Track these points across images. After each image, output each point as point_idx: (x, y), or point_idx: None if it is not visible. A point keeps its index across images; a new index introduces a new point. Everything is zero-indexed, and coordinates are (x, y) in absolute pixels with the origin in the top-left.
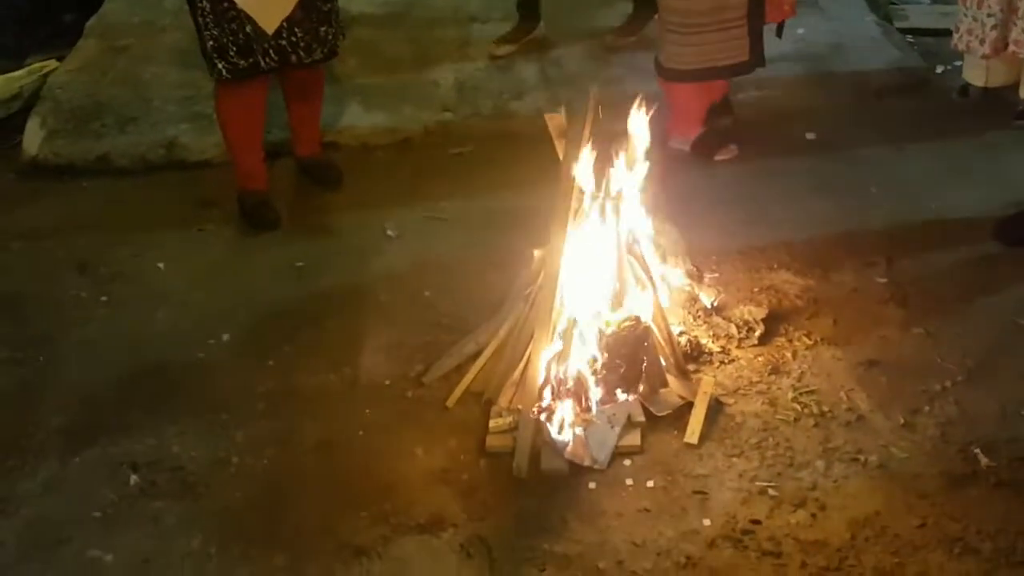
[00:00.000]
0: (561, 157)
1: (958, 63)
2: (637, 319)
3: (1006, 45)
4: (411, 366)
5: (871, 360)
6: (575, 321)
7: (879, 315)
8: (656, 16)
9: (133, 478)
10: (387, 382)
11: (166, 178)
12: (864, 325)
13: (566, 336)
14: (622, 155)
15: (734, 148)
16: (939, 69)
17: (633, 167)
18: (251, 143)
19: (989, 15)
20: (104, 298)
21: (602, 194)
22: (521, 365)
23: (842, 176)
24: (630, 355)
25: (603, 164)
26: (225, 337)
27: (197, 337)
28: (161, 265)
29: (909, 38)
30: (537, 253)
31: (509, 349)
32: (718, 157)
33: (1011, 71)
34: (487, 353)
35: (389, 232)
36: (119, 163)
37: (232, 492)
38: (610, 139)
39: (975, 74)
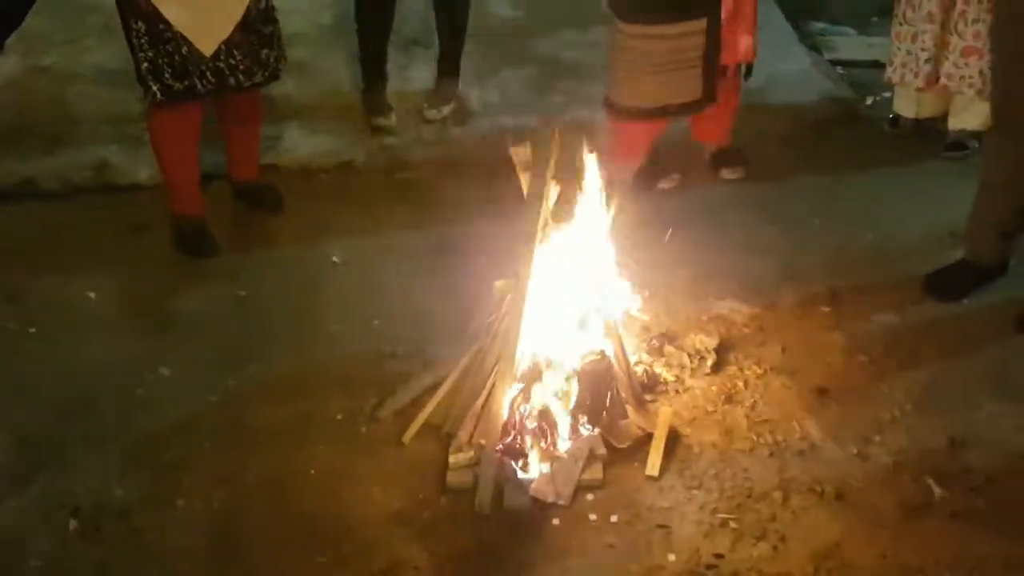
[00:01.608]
0: (524, 190)
1: (887, 94)
2: (603, 353)
3: (938, 78)
4: (364, 400)
5: (820, 388)
6: (542, 355)
7: (825, 343)
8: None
9: (73, 523)
10: (339, 417)
11: (96, 202)
12: (811, 353)
13: (533, 371)
14: (582, 187)
15: (676, 177)
16: (868, 100)
17: (592, 200)
18: (186, 167)
19: (923, 49)
20: (32, 330)
21: (566, 225)
22: (482, 397)
23: (782, 206)
24: (597, 390)
25: (566, 197)
26: (164, 371)
27: (134, 371)
28: (92, 294)
29: (839, 69)
30: (498, 284)
31: (470, 381)
32: (661, 185)
33: (940, 103)
34: (446, 385)
35: (335, 259)
36: (46, 186)
37: (179, 537)
38: (571, 171)
39: (906, 106)
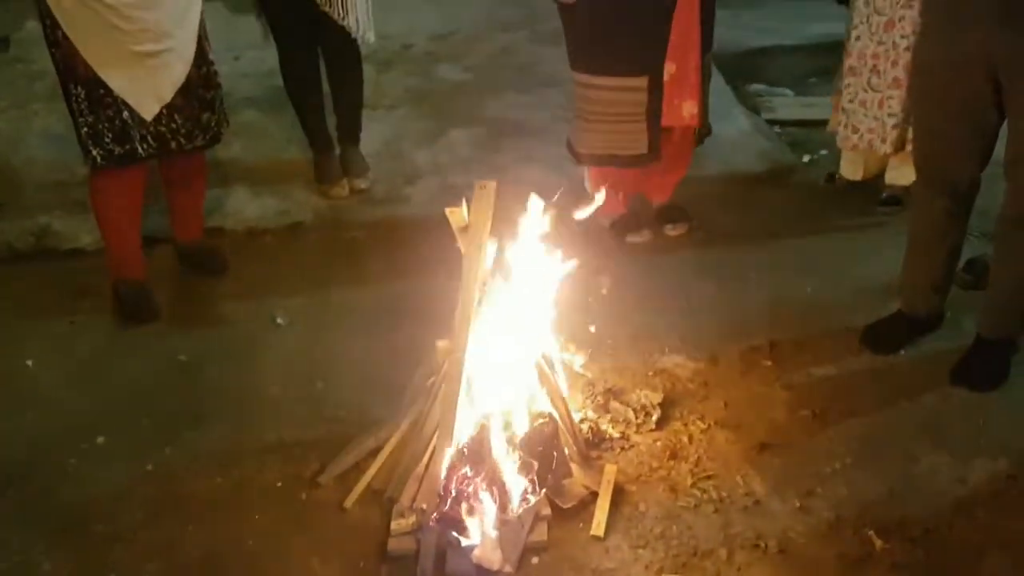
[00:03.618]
0: (463, 250)
1: (823, 152)
2: (550, 416)
3: (904, 144)
4: (305, 465)
5: (763, 443)
6: (485, 418)
7: (767, 397)
8: None
9: None
10: (279, 484)
11: (36, 268)
12: (754, 407)
13: (477, 434)
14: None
15: (647, 232)
16: (806, 158)
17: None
18: (127, 231)
19: (890, 115)
20: None
21: (504, 286)
22: (425, 460)
23: (722, 261)
24: (543, 453)
25: (504, 256)
26: (100, 440)
27: (69, 441)
28: (29, 362)
29: (776, 129)
30: (440, 344)
31: (412, 444)
32: (630, 239)
33: (881, 162)
34: (388, 448)
35: (279, 320)
36: None
37: None
38: (509, 230)
39: (852, 169)
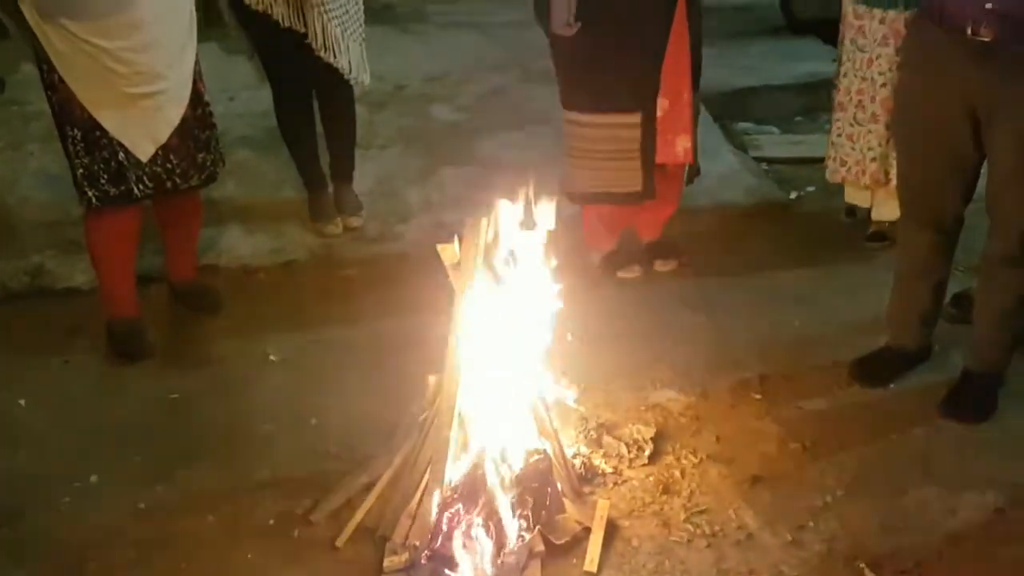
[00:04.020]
0: (455, 286)
1: (811, 188)
2: (544, 452)
3: (884, 178)
4: (297, 502)
5: (755, 476)
6: (479, 454)
7: (758, 431)
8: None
9: None
10: (271, 521)
11: (30, 307)
12: (745, 441)
13: (471, 471)
14: (515, 281)
15: (637, 268)
16: (793, 195)
17: (527, 291)
18: (122, 271)
19: (869, 148)
20: None
21: (497, 318)
22: (417, 497)
23: (712, 296)
24: (537, 489)
25: (498, 289)
26: (93, 479)
27: (62, 479)
28: (22, 401)
29: (764, 166)
30: (432, 379)
31: (404, 480)
32: (620, 275)
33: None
34: (380, 485)
35: (272, 357)
36: None
37: None
38: (504, 264)
39: (862, 197)
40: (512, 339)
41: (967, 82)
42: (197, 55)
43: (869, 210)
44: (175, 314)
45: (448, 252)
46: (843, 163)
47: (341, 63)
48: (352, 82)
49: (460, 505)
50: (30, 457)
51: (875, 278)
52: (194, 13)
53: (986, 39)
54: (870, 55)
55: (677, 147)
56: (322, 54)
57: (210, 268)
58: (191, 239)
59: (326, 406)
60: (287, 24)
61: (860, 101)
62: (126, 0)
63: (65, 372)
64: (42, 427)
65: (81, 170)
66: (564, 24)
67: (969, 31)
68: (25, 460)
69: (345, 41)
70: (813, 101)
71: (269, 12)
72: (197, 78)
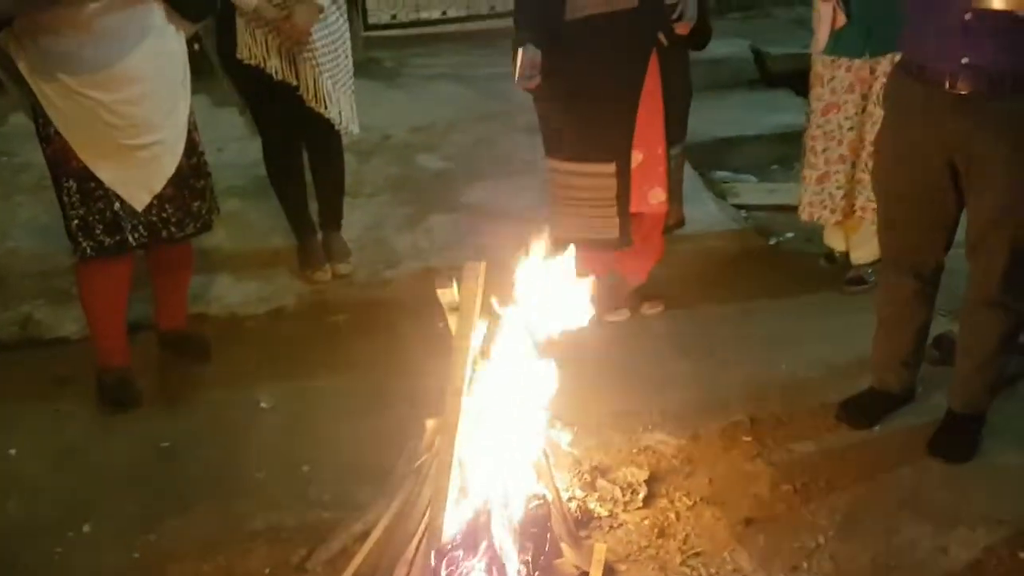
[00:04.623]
0: (453, 330)
1: (789, 234)
2: (543, 497)
3: (853, 211)
4: (292, 551)
5: (748, 518)
6: (478, 499)
7: (750, 473)
8: None
9: None
10: (266, 571)
11: (19, 357)
12: (737, 483)
13: (472, 518)
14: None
15: (625, 312)
16: (772, 240)
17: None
18: (114, 319)
19: (838, 187)
20: None
21: (493, 364)
22: (414, 544)
23: (699, 339)
24: (536, 534)
25: (495, 333)
26: (85, 528)
27: (54, 529)
28: (13, 451)
29: (743, 213)
30: (429, 423)
31: (401, 527)
32: (608, 318)
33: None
34: (377, 533)
35: (263, 404)
36: None
37: None
38: (501, 307)
39: (836, 240)
40: (511, 384)
41: (946, 134)
42: (191, 105)
43: (847, 254)
44: (164, 362)
45: (447, 295)
46: (811, 203)
47: (332, 113)
48: (342, 132)
49: (460, 552)
50: (21, 507)
51: (858, 320)
52: (187, 64)
53: (963, 92)
54: (830, 103)
55: (651, 198)
56: (313, 105)
57: (199, 317)
58: (182, 288)
59: (318, 453)
60: (280, 77)
61: (813, 147)
62: (123, 53)
63: (56, 421)
64: (33, 476)
65: (76, 221)
66: (523, 81)
67: (947, 85)
68: (16, 510)
69: (336, 92)
70: (787, 151)
71: (262, 66)
72: (192, 128)
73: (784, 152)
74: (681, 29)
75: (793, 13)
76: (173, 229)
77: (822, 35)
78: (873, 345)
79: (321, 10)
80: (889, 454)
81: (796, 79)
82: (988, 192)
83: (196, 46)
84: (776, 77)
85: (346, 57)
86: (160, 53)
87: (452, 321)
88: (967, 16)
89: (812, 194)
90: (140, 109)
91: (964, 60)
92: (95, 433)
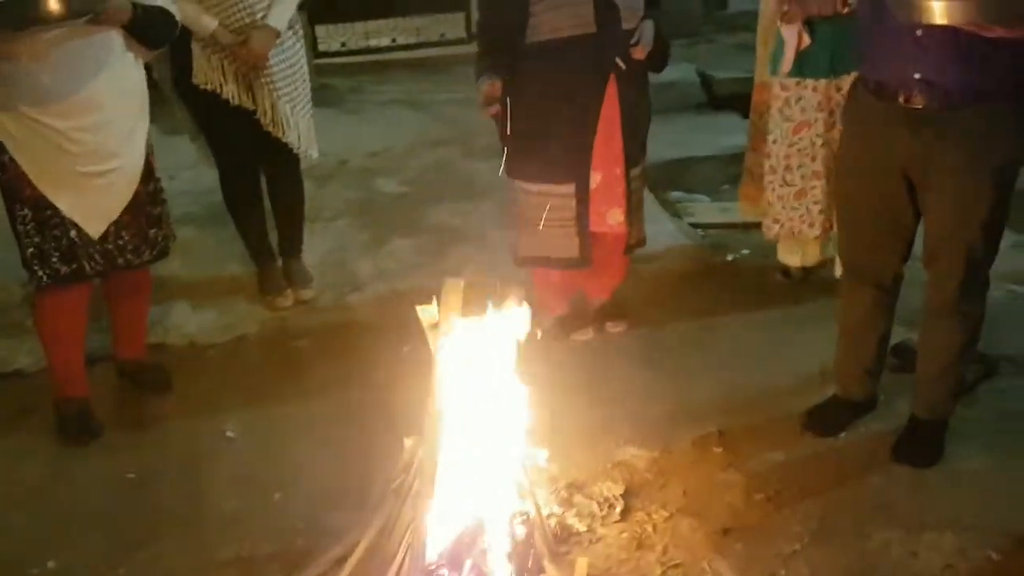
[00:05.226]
0: (432, 348)
1: (745, 251)
2: (526, 514)
3: (831, 225)
4: None
5: (725, 528)
6: (460, 520)
7: (723, 483)
8: None
9: None
10: None
11: None
12: (711, 494)
13: (456, 537)
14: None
15: (590, 330)
16: (729, 257)
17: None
18: (71, 349)
19: (815, 202)
20: None
21: (472, 382)
22: (395, 566)
23: (664, 354)
24: (519, 551)
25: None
26: (51, 564)
27: (17, 566)
28: None
29: (699, 231)
30: (408, 442)
31: (381, 549)
32: (574, 337)
33: (822, 250)
34: (357, 554)
35: (229, 433)
36: None
37: None
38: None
39: (792, 257)
40: (490, 401)
41: (902, 148)
42: (149, 131)
43: (802, 269)
44: (124, 393)
45: (427, 314)
46: (776, 221)
47: (290, 138)
48: (301, 156)
49: (444, 572)
50: None
51: (819, 331)
52: (146, 90)
53: (918, 107)
54: (801, 121)
55: (609, 219)
56: (271, 129)
57: (158, 346)
58: (140, 317)
59: (289, 480)
60: (236, 102)
61: (788, 165)
62: (82, 81)
63: (15, 456)
64: None
65: (32, 249)
66: (485, 108)
67: (902, 100)
68: None
69: (294, 116)
70: (737, 171)
71: (219, 91)
72: (149, 153)
73: (734, 172)
74: (637, 54)
75: (735, 39)
76: (130, 256)
77: (788, 57)
78: (836, 355)
79: (278, 35)
80: (856, 461)
81: (741, 102)
82: (943, 204)
83: (153, 74)
84: (722, 100)
85: (304, 82)
86: (119, 80)
87: (431, 339)
88: (918, 32)
89: (791, 210)
90: (99, 136)
91: (917, 75)
92: (57, 466)
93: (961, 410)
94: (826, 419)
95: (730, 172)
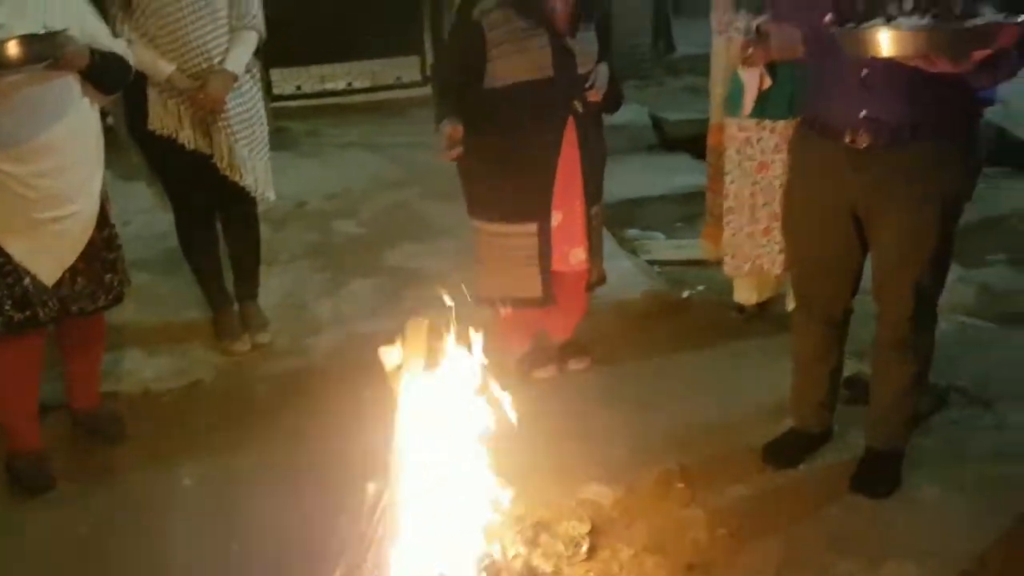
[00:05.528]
0: (395, 391)
1: (701, 287)
2: (491, 556)
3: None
4: None
5: (689, 564)
6: (431, 562)
7: (686, 519)
8: None
9: None
10: None
11: None
12: (676, 530)
13: None
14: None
15: (553, 368)
16: (685, 293)
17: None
18: (24, 400)
19: (775, 242)
20: None
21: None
22: None
23: (625, 391)
24: None
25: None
26: None
27: None
28: None
29: (656, 268)
30: (371, 487)
31: None
32: (536, 374)
33: (776, 285)
34: None
35: (185, 481)
36: None
37: None
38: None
39: (747, 295)
40: (453, 441)
41: (847, 185)
42: (104, 176)
43: (757, 305)
44: (77, 443)
45: (389, 356)
46: (744, 259)
47: (247, 181)
48: (258, 199)
49: None
50: None
51: (772, 364)
52: (101, 135)
53: (863, 146)
54: (761, 161)
55: (571, 258)
56: (228, 173)
57: (111, 394)
58: (94, 365)
59: (248, 530)
60: (192, 147)
61: (753, 203)
62: (40, 126)
63: None
64: None
65: None
66: (446, 153)
67: (847, 139)
68: None
69: (252, 160)
70: (690, 209)
71: (175, 136)
72: (105, 199)
73: (687, 211)
74: (593, 97)
75: (684, 81)
76: (85, 302)
77: (749, 99)
78: (791, 388)
79: (235, 79)
80: (816, 493)
81: (692, 143)
82: (890, 239)
83: (109, 119)
84: (674, 141)
85: (261, 125)
86: (78, 125)
87: (394, 382)
88: (864, 72)
89: (760, 247)
90: (55, 182)
91: (863, 113)
92: (7, 522)
93: (916, 439)
94: (784, 452)
95: (684, 210)
